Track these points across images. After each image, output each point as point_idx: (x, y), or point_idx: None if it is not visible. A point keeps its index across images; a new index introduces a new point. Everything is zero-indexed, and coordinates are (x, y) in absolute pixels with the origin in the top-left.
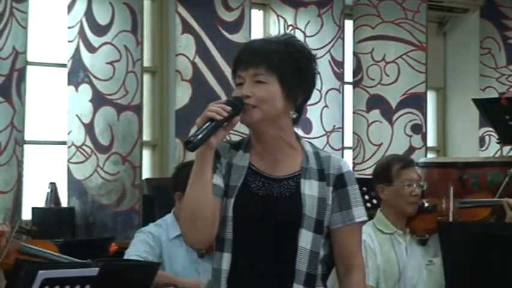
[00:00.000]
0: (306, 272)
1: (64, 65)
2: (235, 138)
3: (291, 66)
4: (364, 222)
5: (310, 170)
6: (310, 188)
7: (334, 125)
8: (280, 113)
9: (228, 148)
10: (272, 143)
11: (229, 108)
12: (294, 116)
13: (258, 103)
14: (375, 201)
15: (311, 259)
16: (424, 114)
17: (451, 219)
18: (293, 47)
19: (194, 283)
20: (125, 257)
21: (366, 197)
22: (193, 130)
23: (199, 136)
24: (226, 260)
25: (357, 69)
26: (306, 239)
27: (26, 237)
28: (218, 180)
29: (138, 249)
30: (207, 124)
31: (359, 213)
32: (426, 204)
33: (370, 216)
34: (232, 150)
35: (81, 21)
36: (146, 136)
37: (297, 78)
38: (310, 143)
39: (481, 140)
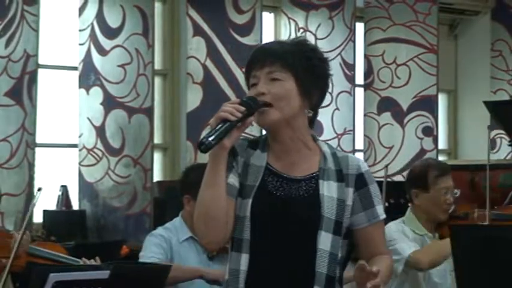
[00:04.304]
0: (326, 274)
1: (75, 68)
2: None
3: (305, 64)
4: (385, 218)
5: (328, 171)
6: (329, 189)
7: (345, 128)
8: (297, 111)
9: (246, 146)
10: (288, 143)
11: (243, 108)
12: (310, 114)
13: (274, 100)
14: (386, 204)
15: (331, 261)
16: (435, 117)
17: None
18: (306, 47)
19: (219, 273)
20: (141, 259)
21: None
22: (205, 132)
23: (212, 138)
24: (244, 260)
25: (368, 72)
26: (325, 240)
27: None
28: (233, 179)
29: (153, 251)
30: (220, 125)
31: (382, 210)
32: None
33: None
34: (249, 149)
35: (92, 24)
36: (157, 139)
37: (311, 76)
38: (327, 143)
39: (492, 143)
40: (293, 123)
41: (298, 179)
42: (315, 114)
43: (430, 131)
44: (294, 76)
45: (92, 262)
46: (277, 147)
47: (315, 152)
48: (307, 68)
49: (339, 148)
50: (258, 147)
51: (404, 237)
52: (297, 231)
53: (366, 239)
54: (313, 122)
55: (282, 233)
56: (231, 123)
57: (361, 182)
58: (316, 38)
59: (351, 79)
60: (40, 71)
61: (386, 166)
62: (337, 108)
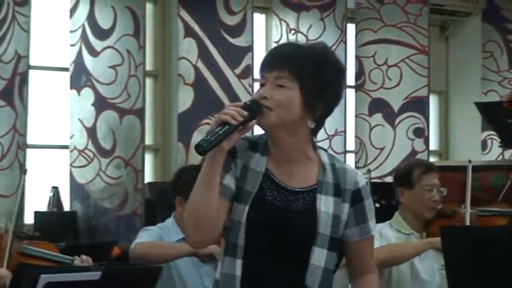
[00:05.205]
0: None
1: (66, 69)
2: None
3: (314, 74)
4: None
5: (326, 185)
6: (326, 205)
7: (337, 129)
8: (297, 120)
9: (246, 147)
10: (288, 151)
11: (245, 113)
12: (312, 126)
13: (274, 106)
14: (377, 205)
15: (324, 276)
16: (427, 118)
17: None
18: (320, 56)
19: (212, 248)
20: (136, 241)
21: None
22: (197, 133)
23: (211, 141)
24: (239, 266)
25: (359, 73)
26: (319, 256)
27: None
28: (229, 181)
29: (142, 236)
30: (220, 128)
31: (374, 225)
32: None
33: None
34: (250, 151)
35: (83, 25)
36: (148, 140)
37: (318, 88)
38: (326, 151)
39: (483, 144)
40: (292, 130)
41: (296, 191)
42: (319, 125)
43: (421, 132)
44: (300, 85)
45: (88, 259)
46: (277, 153)
47: (314, 162)
48: (314, 79)
49: (330, 150)
50: (258, 150)
51: (378, 237)
52: (291, 243)
53: (356, 253)
54: (316, 131)
55: (277, 243)
56: (231, 127)
57: (357, 197)
58: (307, 39)
59: None
60: (31, 72)
61: (369, 170)
62: None
